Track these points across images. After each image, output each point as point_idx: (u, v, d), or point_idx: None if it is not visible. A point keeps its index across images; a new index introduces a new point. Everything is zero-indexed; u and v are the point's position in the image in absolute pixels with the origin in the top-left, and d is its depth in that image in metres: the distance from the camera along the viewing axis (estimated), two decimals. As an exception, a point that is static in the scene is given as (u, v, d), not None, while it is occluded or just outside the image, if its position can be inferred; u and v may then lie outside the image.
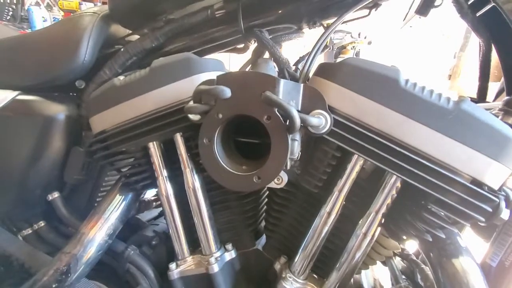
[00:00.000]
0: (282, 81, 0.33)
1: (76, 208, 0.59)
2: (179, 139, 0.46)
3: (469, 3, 0.44)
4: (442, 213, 0.35)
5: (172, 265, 0.50)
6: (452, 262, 0.36)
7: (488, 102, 0.50)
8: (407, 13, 0.61)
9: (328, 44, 0.55)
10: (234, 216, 0.52)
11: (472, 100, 0.53)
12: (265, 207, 0.54)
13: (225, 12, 0.52)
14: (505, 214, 0.33)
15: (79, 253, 0.48)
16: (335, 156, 0.39)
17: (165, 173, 0.49)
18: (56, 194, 0.58)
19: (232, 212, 0.52)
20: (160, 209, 0.72)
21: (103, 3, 3.12)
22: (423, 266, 0.44)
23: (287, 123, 0.33)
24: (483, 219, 0.33)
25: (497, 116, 0.38)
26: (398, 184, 0.37)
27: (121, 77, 0.49)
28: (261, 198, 0.54)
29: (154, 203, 0.66)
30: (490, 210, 0.33)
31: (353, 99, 0.35)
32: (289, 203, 0.48)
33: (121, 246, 0.54)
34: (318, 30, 0.54)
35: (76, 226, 0.55)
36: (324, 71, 0.38)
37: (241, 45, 0.60)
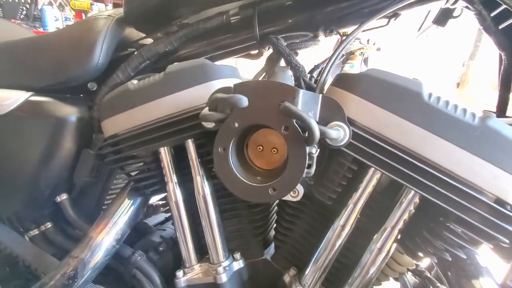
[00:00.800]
0: (301, 92, 0.33)
1: (84, 210, 0.59)
2: (191, 145, 0.46)
3: (491, 15, 0.43)
4: (464, 232, 0.34)
5: (179, 273, 0.49)
6: (472, 283, 0.35)
7: (509, 116, 0.49)
8: (423, 23, 0.60)
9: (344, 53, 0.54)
10: (243, 224, 0.51)
11: (491, 112, 0.52)
12: (275, 216, 0.53)
13: (240, 18, 0.51)
14: (530, 236, 0.32)
15: (87, 257, 0.48)
16: (351, 169, 0.38)
17: (175, 178, 0.48)
18: (64, 196, 0.58)
19: (241, 221, 0.51)
20: (167, 214, 0.71)
21: (114, 4, 3.16)
22: (438, 284, 0.42)
23: (306, 135, 0.32)
24: (507, 241, 0.32)
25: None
26: (417, 200, 0.36)
27: (135, 81, 0.48)
28: (271, 206, 0.53)
29: (162, 208, 0.65)
30: (515, 231, 0.32)
31: (374, 111, 0.35)
32: (301, 214, 0.47)
33: (128, 251, 0.53)
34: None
35: (83, 229, 0.55)
36: (343, 81, 0.37)
37: (255, 51, 0.59)
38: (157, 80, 0.45)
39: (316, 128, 0.30)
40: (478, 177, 0.32)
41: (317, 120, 0.35)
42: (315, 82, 0.47)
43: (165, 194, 0.49)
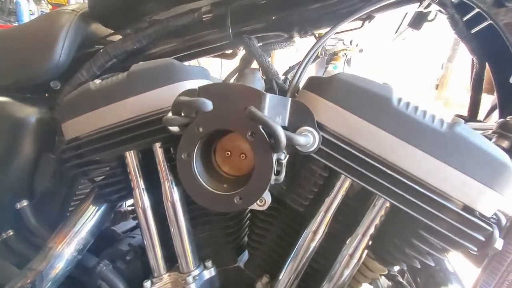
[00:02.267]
0: (268, 96, 0.31)
1: (47, 217, 0.55)
2: (158, 149, 0.43)
3: (464, 19, 0.43)
4: (432, 240, 0.33)
5: (147, 283, 0.47)
6: (440, 290, 0.35)
7: (480, 121, 0.49)
8: (400, 26, 0.60)
9: (319, 53, 0.53)
10: (214, 231, 0.49)
11: (463, 117, 0.52)
12: (248, 222, 0.51)
13: (213, 16, 0.49)
14: (498, 244, 0.32)
15: (46, 269, 0.45)
16: (322, 176, 0.37)
17: (142, 184, 0.46)
18: (25, 203, 0.54)
19: (213, 227, 0.49)
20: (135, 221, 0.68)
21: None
22: (409, 289, 0.42)
23: (273, 141, 0.31)
24: (475, 249, 0.32)
25: (491, 138, 0.37)
26: (387, 206, 0.35)
27: (97, 81, 0.45)
28: (244, 213, 0.51)
29: (131, 215, 0.62)
30: (483, 239, 0.32)
31: (344, 117, 0.33)
32: (274, 220, 0.46)
33: (92, 261, 0.50)
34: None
35: (44, 237, 0.51)
36: (314, 85, 0.36)
37: (229, 51, 0.58)
38: (121, 80, 0.42)
39: (282, 135, 0.29)
40: (446, 184, 0.31)
41: (286, 124, 0.34)
42: (289, 84, 0.46)
43: (132, 199, 0.46)
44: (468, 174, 0.31)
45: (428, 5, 0.44)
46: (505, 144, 0.35)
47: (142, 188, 0.46)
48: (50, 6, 2.67)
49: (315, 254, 0.41)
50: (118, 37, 0.58)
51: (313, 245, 0.40)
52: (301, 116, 0.33)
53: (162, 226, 0.47)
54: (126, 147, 0.43)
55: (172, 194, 0.44)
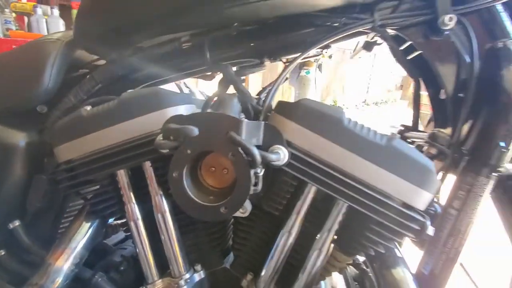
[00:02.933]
0: (245, 123, 0.38)
1: (40, 235, 0.58)
2: (148, 167, 0.48)
3: (400, 48, 0.53)
4: (381, 232, 0.41)
5: (141, 290, 0.52)
6: (390, 272, 0.43)
7: (420, 131, 0.59)
8: (356, 48, 0.70)
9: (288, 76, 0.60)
10: (201, 238, 0.55)
11: (408, 127, 0.62)
12: (231, 227, 0.57)
13: (192, 45, 0.55)
14: (430, 230, 0.40)
15: (46, 284, 0.48)
16: (293, 185, 0.44)
17: (133, 199, 0.50)
18: (17, 223, 0.56)
19: (200, 234, 0.55)
20: (127, 232, 0.72)
21: (60, 5, 2.96)
22: (370, 274, 0.50)
23: (250, 159, 0.37)
24: (413, 236, 0.40)
25: (423, 147, 0.46)
26: (346, 207, 0.43)
27: (88, 107, 0.49)
28: (227, 220, 0.57)
29: (121, 228, 0.66)
30: (418, 228, 0.40)
31: (307, 135, 0.41)
32: (254, 224, 0.52)
33: (88, 273, 0.54)
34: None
35: (39, 254, 0.54)
36: (282, 109, 0.43)
37: (208, 73, 0.64)
38: (112, 107, 0.47)
39: (257, 154, 0.36)
40: (389, 187, 0.40)
41: (261, 144, 0.40)
42: (262, 105, 0.53)
43: (123, 214, 0.51)
44: (404, 178, 0.39)
45: (373, 37, 0.53)
46: (433, 151, 0.44)
47: (133, 203, 0.50)
48: (14, 15, 2.56)
49: (290, 251, 0.48)
50: (102, 62, 0.62)
51: (288, 243, 0.47)
52: (272, 137, 0.40)
53: (153, 236, 0.52)
54: (118, 167, 0.48)
55: (162, 206, 0.49)
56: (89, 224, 0.53)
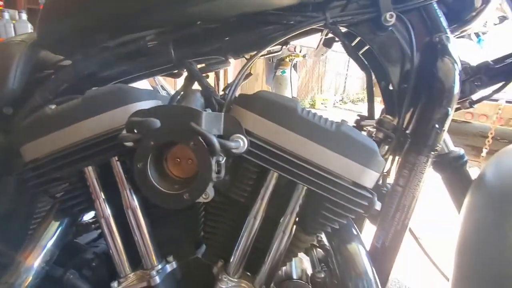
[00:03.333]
0: (204, 113, 0.40)
1: (10, 236, 0.57)
2: (115, 163, 0.50)
3: (352, 44, 0.57)
4: (335, 209, 0.45)
5: (114, 284, 0.52)
6: (346, 247, 0.47)
7: (375, 119, 0.64)
8: (318, 46, 0.74)
9: (251, 71, 0.64)
10: (173, 230, 0.57)
11: (364, 116, 0.67)
12: (203, 219, 0.59)
13: (157, 43, 0.57)
14: (378, 206, 0.45)
15: (17, 282, 0.48)
16: (255, 171, 0.47)
17: (102, 195, 0.51)
18: (-18, 226, 0.55)
19: (172, 227, 0.56)
20: (99, 230, 0.72)
21: (29, 9, 2.84)
22: (332, 253, 0.54)
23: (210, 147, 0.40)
24: (362, 211, 0.44)
25: (372, 132, 0.51)
26: (305, 190, 0.47)
27: (53, 106, 0.50)
28: (198, 210, 0.59)
29: (93, 225, 0.66)
30: (367, 204, 0.44)
31: (265, 124, 0.44)
32: (223, 212, 0.55)
33: (59, 271, 0.54)
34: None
35: (9, 255, 0.53)
36: (242, 101, 0.46)
37: (175, 71, 0.66)
38: (77, 105, 0.48)
39: (215, 142, 0.38)
40: (339, 168, 0.44)
41: (222, 133, 0.43)
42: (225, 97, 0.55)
43: (93, 211, 0.52)
44: (352, 159, 0.43)
45: (327, 34, 0.57)
46: (380, 135, 0.49)
47: (103, 199, 0.51)
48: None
49: (257, 236, 0.51)
50: (67, 62, 0.62)
51: (254, 228, 0.50)
52: (232, 126, 0.43)
53: (124, 231, 0.53)
54: (85, 163, 0.49)
55: (132, 201, 0.51)
56: (58, 222, 0.54)
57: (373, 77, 0.63)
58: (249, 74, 0.59)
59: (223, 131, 0.43)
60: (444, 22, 0.53)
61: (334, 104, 7.30)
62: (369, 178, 0.44)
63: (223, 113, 0.43)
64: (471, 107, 0.55)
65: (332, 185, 0.44)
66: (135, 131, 0.42)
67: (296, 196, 0.47)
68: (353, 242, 0.48)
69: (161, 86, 1.41)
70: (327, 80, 7.51)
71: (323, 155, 0.44)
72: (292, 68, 2.71)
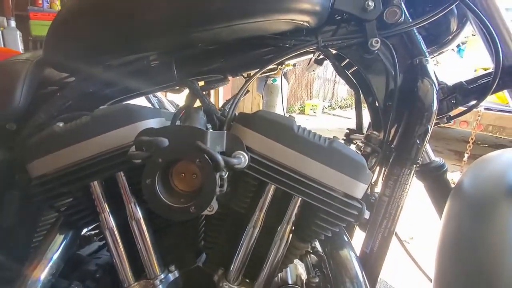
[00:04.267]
0: (209, 133, 0.44)
1: (14, 250, 0.58)
2: (121, 177, 0.52)
3: (342, 64, 0.62)
4: (328, 219, 0.49)
5: (118, 294, 0.55)
6: (338, 253, 0.51)
7: (363, 133, 0.69)
8: (309, 62, 0.79)
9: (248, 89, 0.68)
10: (176, 240, 0.59)
11: (353, 130, 0.72)
12: (203, 228, 0.62)
13: (160, 63, 0.60)
14: (366, 215, 0.49)
15: None
16: (254, 184, 0.50)
17: (107, 208, 0.54)
18: (-13, 240, 0.56)
19: (174, 237, 0.59)
20: (101, 242, 0.74)
21: (17, 16, 2.81)
22: (325, 259, 0.58)
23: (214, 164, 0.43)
24: (353, 220, 0.49)
25: (361, 146, 0.55)
26: (300, 201, 0.50)
27: (61, 124, 0.52)
28: (199, 220, 0.62)
29: (95, 238, 0.68)
30: (357, 213, 0.49)
31: (264, 141, 0.48)
32: (223, 222, 0.58)
33: (64, 284, 0.56)
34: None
35: (13, 269, 0.54)
36: (242, 119, 0.50)
37: (176, 87, 0.69)
38: (86, 123, 0.51)
39: (220, 159, 0.42)
40: (332, 181, 0.48)
41: (224, 150, 0.47)
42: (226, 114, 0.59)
43: (97, 224, 0.54)
44: (343, 172, 0.48)
45: (319, 55, 0.62)
46: (368, 149, 0.54)
47: (108, 212, 0.54)
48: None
49: (256, 244, 0.54)
50: (72, 78, 0.64)
51: (253, 237, 0.53)
52: (234, 144, 0.47)
53: (128, 242, 0.55)
54: (92, 178, 0.52)
55: (136, 213, 0.53)
56: (63, 235, 0.56)
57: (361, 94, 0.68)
58: (247, 92, 0.63)
59: (226, 148, 0.47)
60: (423, 46, 0.58)
61: (323, 109, 7.46)
62: (359, 190, 0.49)
63: (225, 132, 0.47)
64: (448, 122, 0.61)
65: (326, 196, 0.48)
66: (144, 149, 0.45)
67: (292, 207, 0.51)
68: (344, 248, 0.52)
69: (157, 98, 1.43)
70: (316, 87, 7.66)
71: (317, 169, 0.48)
72: (283, 77, 2.78)
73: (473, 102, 0.58)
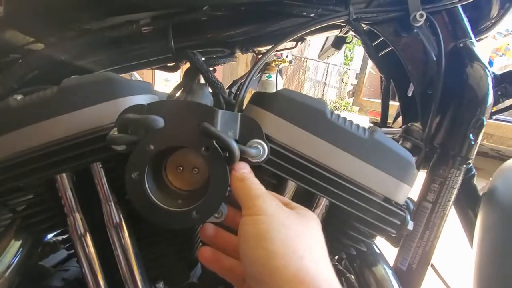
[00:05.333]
0: (220, 112, 0.33)
1: None
2: (97, 169, 0.40)
3: (374, 44, 0.53)
4: (363, 228, 0.39)
5: (89, 318, 0.43)
6: (372, 270, 0.41)
7: (389, 127, 0.60)
8: (323, 46, 0.69)
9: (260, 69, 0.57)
10: (164, 251, 0.48)
11: (377, 123, 0.63)
12: (199, 236, 0.51)
13: (153, 29, 0.49)
14: (410, 225, 0.40)
15: None
16: (271, 183, 0.40)
17: (77, 209, 0.41)
18: None
19: (162, 247, 0.48)
20: (70, 251, 0.61)
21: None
22: (348, 275, 0.48)
23: (226, 154, 0.32)
24: (394, 231, 0.39)
25: (398, 141, 0.46)
26: (326, 205, 0.40)
27: (19, 97, 0.40)
28: (193, 228, 0.51)
29: (62, 245, 0.55)
30: (399, 223, 0.39)
31: (287, 128, 0.37)
32: (225, 229, 0.47)
33: (18, 305, 0.43)
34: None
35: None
36: (260, 100, 0.39)
37: (171, 64, 0.57)
38: (50, 96, 0.38)
39: (236, 148, 0.31)
40: (370, 181, 0.38)
41: (237, 138, 0.36)
42: (234, 98, 0.48)
43: (65, 228, 0.42)
44: (386, 171, 0.38)
45: (347, 32, 0.53)
46: (408, 145, 0.44)
47: (78, 213, 0.41)
48: None
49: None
50: (39, 45, 0.51)
51: (265, 248, 0.43)
52: (250, 130, 0.36)
53: (103, 252, 0.44)
54: (58, 170, 0.39)
55: (115, 216, 0.41)
56: (20, 241, 0.43)
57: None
58: (260, 72, 0.52)
59: (239, 136, 0.36)
60: (468, 27, 0.50)
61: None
62: (402, 194, 0.39)
63: (239, 113, 0.36)
64: (490, 118, 0.53)
65: (362, 200, 0.38)
66: (130, 131, 0.33)
67: (316, 211, 0.41)
68: (378, 264, 0.42)
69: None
70: (306, 88, 7.65)
71: (354, 166, 0.38)
72: (278, 73, 2.69)
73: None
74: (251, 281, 0.26)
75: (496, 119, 3.11)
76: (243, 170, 0.32)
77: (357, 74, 4.62)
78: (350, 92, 4.54)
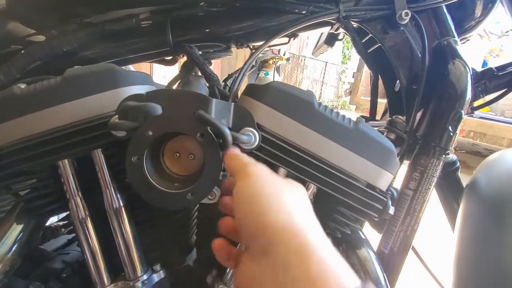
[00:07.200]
0: (214, 101, 0.35)
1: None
2: (98, 155, 0.42)
3: (363, 41, 0.55)
4: (347, 212, 0.42)
5: (90, 298, 0.45)
6: (356, 252, 0.44)
7: (377, 120, 0.63)
8: (317, 43, 0.72)
9: (254, 63, 0.59)
10: (162, 234, 0.50)
11: (366, 117, 0.65)
12: (196, 221, 0.53)
13: (152, 23, 0.51)
14: (391, 210, 0.42)
15: None
16: (263, 169, 0.42)
17: (79, 194, 0.44)
18: None
19: (160, 231, 0.50)
20: (70, 235, 0.63)
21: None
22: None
23: (220, 140, 0.35)
24: (376, 215, 0.42)
25: (383, 133, 0.49)
26: (314, 191, 0.43)
27: (22, 85, 0.42)
28: (191, 211, 0.54)
29: (63, 229, 0.57)
30: (381, 207, 0.42)
31: (278, 118, 0.40)
32: (220, 214, 0.49)
33: (20, 285, 0.45)
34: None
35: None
36: (253, 91, 0.41)
37: (169, 57, 0.59)
38: (54, 85, 0.40)
39: (228, 134, 0.33)
40: (354, 168, 0.41)
41: (230, 126, 0.38)
42: (229, 90, 0.50)
43: (66, 213, 0.44)
44: (369, 159, 0.41)
45: (337, 29, 0.55)
46: (392, 136, 0.47)
47: (80, 198, 0.44)
48: None
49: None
50: (40, 37, 0.53)
51: (257, 232, 0.46)
52: (243, 118, 0.38)
53: (103, 236, 0.46)
54: (61, 156, 0.41)
55: (115, 200, 0.44)
56: (22, 225, 0.45)
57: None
58: (252, 67, 0.54)
59: (232, 124, 0.38)
60: (452, 26, 0.52)
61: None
62: (384, 180, 0.42)
63: (233, 103, 0.38)
64: (472, 112, 0.56)
65: (347, 186, 0.41)
66: (130, 118, 0.35)
67: (305, 198, 0.43)
68: (363, 248, 0.45)
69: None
70: (304, 86, 7.68)
71: (339, 154, 0.40)
72: (275, 71, 2.71)
73: (502, 91, 0.53)
74: (246, 239, 0.28)
75: (489, 119, 3.16)
76: (235, 151, 0.35)
77: (354, 73, 4.66)
78: (347, 91, 4.58)
